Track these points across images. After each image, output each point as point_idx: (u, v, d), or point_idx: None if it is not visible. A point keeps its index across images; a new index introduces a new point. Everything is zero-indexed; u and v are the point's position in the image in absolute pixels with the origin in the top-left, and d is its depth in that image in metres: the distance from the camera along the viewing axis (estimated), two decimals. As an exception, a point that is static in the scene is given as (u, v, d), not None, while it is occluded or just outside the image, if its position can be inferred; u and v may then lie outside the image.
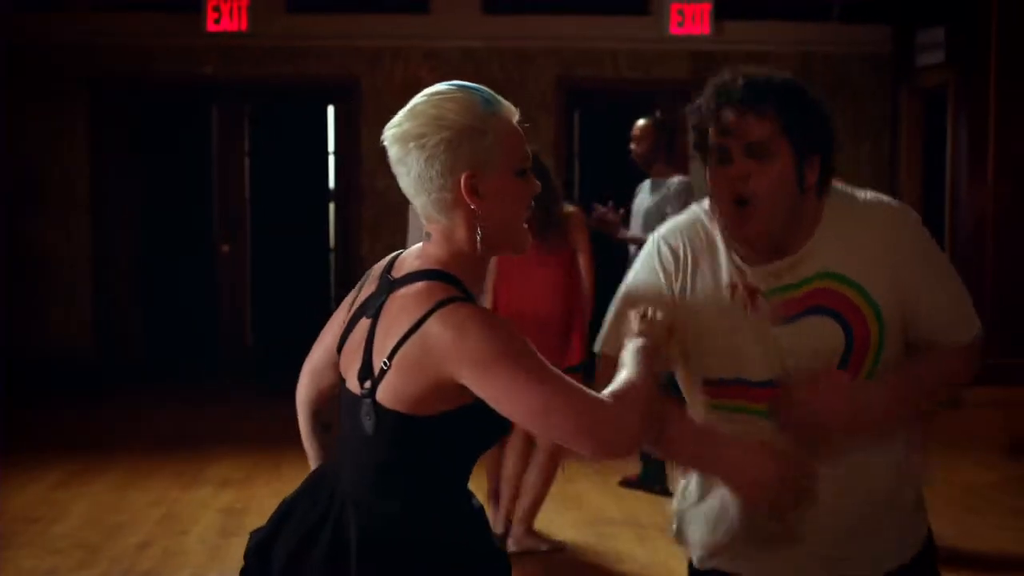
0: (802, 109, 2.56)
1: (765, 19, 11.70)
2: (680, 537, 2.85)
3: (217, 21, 11.20)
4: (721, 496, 2.68)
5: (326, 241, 12.15)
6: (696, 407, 2.74)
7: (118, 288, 11.66)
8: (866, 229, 2.62)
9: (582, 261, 6.47)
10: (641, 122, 7.69)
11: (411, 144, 2.46)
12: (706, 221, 2.71)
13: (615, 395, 2.31)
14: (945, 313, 2.64)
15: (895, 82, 11.73)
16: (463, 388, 2.33)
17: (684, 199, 7.04)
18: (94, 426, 9.71)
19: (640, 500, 7.41)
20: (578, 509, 7.28)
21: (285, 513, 2.60)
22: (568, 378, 2.31)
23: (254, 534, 2.61)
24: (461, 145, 2.42)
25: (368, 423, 2.43)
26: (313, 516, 2.51)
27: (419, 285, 2.41)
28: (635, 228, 7.52)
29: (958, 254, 10.18)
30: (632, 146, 7.67)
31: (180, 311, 11.91)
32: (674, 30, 11.57)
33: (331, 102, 12.08)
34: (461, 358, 2.29)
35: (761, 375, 2.60)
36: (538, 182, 2.49)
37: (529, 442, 6.40)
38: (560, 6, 11.73)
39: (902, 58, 11.49)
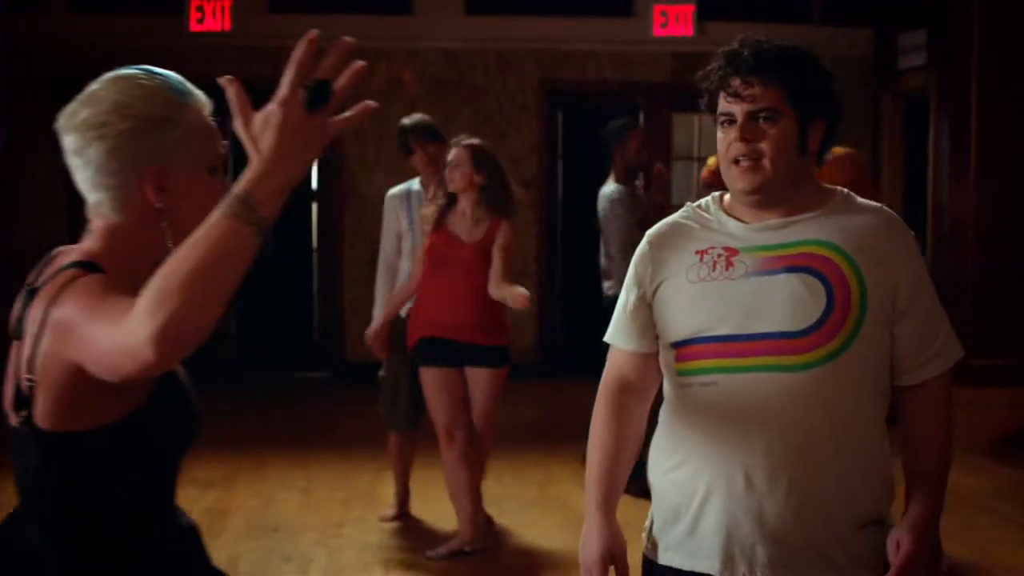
0: (808, 76, 2.68)
1: (748, 21, 11.69)
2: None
3: (200, 21, 11.20)
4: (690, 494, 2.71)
5: (308, 242, 12.13)
6: (669, 379, 2.79)
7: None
8: (869, 222, 2.71)
9: (501, 262, 6.18)
10: None
11: (91, 134, 2.15)
12: (692, 210, 2.82)
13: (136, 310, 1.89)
14: (931, 339, 2.72)
15: (877, 84, 11.76)
16: (114, 388, 2.02)
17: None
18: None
19: (623, 502, 7.38)
20: (562, 510, 7.29)
21: None
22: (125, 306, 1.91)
23: None
24: (147, 137, 2.15)
25: (34, 455, 2.12)
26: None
27: (56, 279, 2.11)
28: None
29: (940, 256, 10.21)
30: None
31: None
32: (657, 32, 11.60)
33: (314, 103, 12.05)
34: (67, 333, 2.01)
35: (728, 330, 2.64)
36: (229, 181, 2.10)
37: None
38: (543, 8, 11.74)
39: (884, 61, 11.52)
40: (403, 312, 6.69)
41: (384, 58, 11.70)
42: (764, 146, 2.63)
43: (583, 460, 3.11)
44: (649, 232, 2.85)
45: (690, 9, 11.53)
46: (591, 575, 2.77)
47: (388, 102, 11.71)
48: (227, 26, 11.22)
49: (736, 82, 2.65)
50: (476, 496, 6.33)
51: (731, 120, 2.66)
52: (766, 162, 2.63)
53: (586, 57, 11.93)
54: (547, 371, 11.32)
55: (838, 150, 5.73)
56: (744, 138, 2.64)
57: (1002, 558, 6.48)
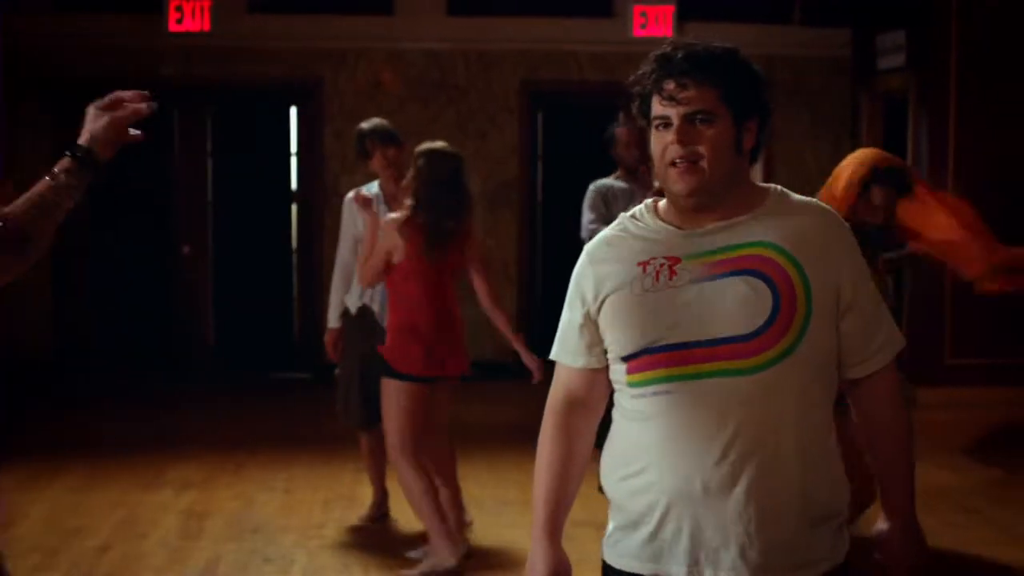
0: (740, 77, 2.68)
1: (727, 21, 11.74)
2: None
3: (179, 21, 11.16)
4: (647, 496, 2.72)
5: (288, 242, 12.12)
6: (620, 389, 2.77)
7: (77, 290, 11.61)
8: (807, 220, 2.72)
9: (479, 281, 6.22)
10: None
11: None
12: (627, 221, 2.81)
13: None
14: (874, 332, 2.75)
15: (855, 85, 11.79)
16: None
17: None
18: (53, 428, 9.65)
19: (602, 501, 7.39)
20: (541, 511, 7.28)
21: None
22: None
23: None
24: None
25: None
26: None
27: None
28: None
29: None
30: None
31: (141, 312, 11.83)
32: (637, 32, 11.61)
33: (294, 103, 12.05)
34: None
35: (678, 338, 2.64)
36: None
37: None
38: (524, 8, 11.75)
39: (863, 61, 11.55)
40: (352, 307, 6.79)
41: (365, 59, 11.70)
42: (702, 148, 2.63)
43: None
44: (588, 247, 2.84)
45: (670, 10, 11.55)
46: None
47: (369, 103, 11.71)
48: (207, 26, 11.19)
49: (670, 85, 2.64)
50: (437, 508, 6.13)
51: (666, 123, 2.66)
52: (704, 164, 2.63)
53: (567, 58, 11.94)
54: (527, 372, 11.28)
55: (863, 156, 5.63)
56: (681, 140, 2.63)
57: (981, 556, 6.50)
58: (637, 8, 11.57)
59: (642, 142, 7.78)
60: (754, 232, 2.67)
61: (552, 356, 2.89)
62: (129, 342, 11.74)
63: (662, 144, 2.67)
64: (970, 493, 7.68)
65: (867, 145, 11.63)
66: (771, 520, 2.62)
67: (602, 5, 11.89)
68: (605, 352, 2.78)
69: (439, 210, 5.89)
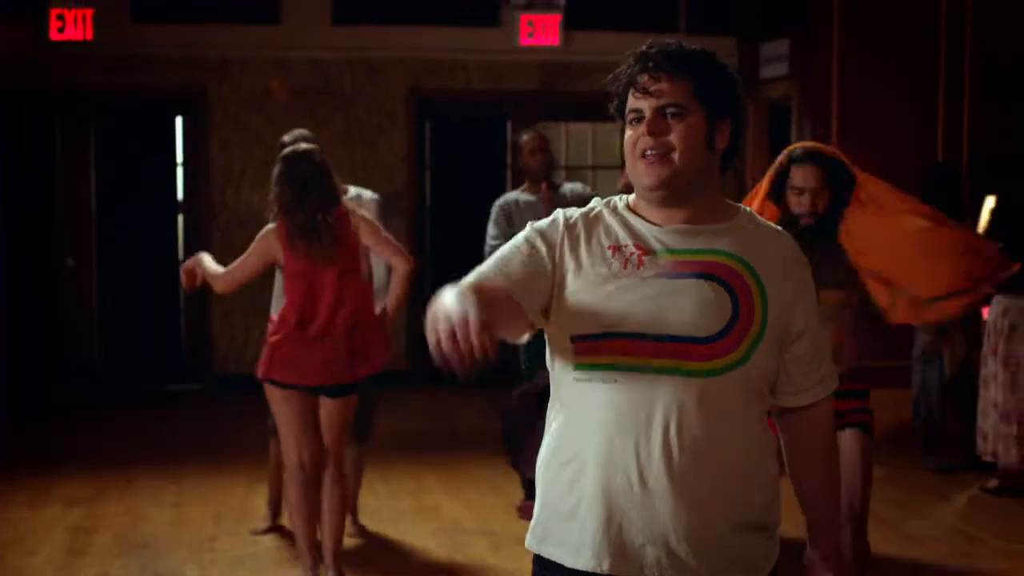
0: (714, 75, 2.71)
1: (613, 30, 11.84)
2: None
3: (61, 30, 11.00)
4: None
5: (175, 253, 11.98)
6: (561, 375, 2.73)
7: (-41, 304, 11.39)
8: (772, 244, 2.75)
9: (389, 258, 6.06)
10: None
11: None
12: (602, 206, 2.79)
13: None
14: (816, 364, 2.78)
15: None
16: None
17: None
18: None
19: (495, 509, 7.44)
20: (435, 519, 7.29)
21: None
22: None
23: None
24: None
25: None
26: None
27: None
28: None
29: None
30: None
31: (25, 325, 11.62)
32: (524, 41, 11.68)
33: (179, 113, 11.93)
34: None
35: (635, 328, 2.62)
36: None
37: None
38: (410, 18, 11.75)
39: (747, 70, 11.71)
40: None
41: (250, 68, 11.62)
42: (672, 139, 2.64)
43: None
44: (564, 212, 2.79)
45: (556, 19, 11.63)
46: (450, 313, 2.36)
47: (255, 112, 11.64)
48: (89, 35, 11.03)
49: (644, 78, 2.67)
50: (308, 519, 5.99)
51: (639, 117, 2.67)
52: (675, 155, 2.64)
53: (454, 66, 11.97)
54: (418, 380, 11.29)
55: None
56: (652, 132, 2.64)
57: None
58: (524, 17, 11.63)
59: (547, 149, 7.63)
60: (724, 242, 2.68)
61: (478, 275, 2.65)
62: (14, 356, 11.52)
63: (634, 137, 2.68)
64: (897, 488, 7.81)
65: (751, 153, 11.84)
66: (702, 522, 2.62)
67: (489, 14, 11.93)
68: (536, 311, 2.65)
69: (306, 210, 5.81)
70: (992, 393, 7.87)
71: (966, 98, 11.13)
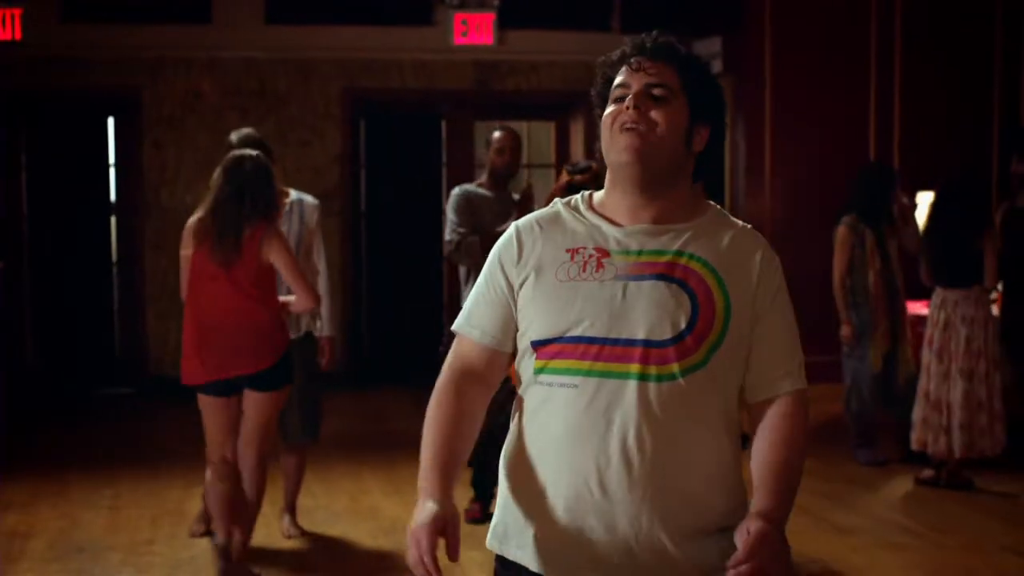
0: (703, 77, 2.77)
1: (547, 29, 11.88)
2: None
3: (-11, 31, 10.89)
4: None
5: (108, 255, 11.89)
6: (524, 379, 2.73)
7: None
8: (741, 244, 2.74)
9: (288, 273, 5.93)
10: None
11: None
12: (561, 207, 2.80)
13: None
14: (782, 358, 2.74)
15: (674, 91, 12.00)
16: None
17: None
18: None
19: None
20: (373, 519, 7.29)
21: None
22: None
23: None
24: None
25: None
26: None
27: None
28: None
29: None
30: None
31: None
32: (458, 40, 11.68)
33: (111, 113, 11.83)
34: None
35: (593, 332, 2.61)
36: None
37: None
38: (344, 17, 11.72)
39: (680, 68, 11.77)
40: (316, 330, 6.82)
41: (183, 68, 11.55)
42: (655, 116, 2.66)
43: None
44: (519, 224, 2.80)
45: (490, 18, 11.63)
46: (418, 538, 2.59)
47: (187, 112, 11.56)
48: (18, 35, 10.92)
49: (640, 57, 2.73)
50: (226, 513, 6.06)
51: (625, 94, 2.69)
52: (655, 132, 2.65)
53: (388, 66, 11.95)
54: (354, 382, 11.28)
55: None
56: (637, 106, 2.66)
57: (798, 546, 6.66)
58: (458, 16, 11.63)
59: (516, 149, 7.48)
60: (686, 244, 2.67)
61: (455, 327, 2.80)
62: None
63: (615, 111, 2.69)
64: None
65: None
66: (663, 528, 2.60)
67: (423, 13, 11.92)
68: (514, 338, 2.73)
69: (229, 213, 5.81)
70: (925, 383, 7.98)
71: (897, 95, 11.27)
